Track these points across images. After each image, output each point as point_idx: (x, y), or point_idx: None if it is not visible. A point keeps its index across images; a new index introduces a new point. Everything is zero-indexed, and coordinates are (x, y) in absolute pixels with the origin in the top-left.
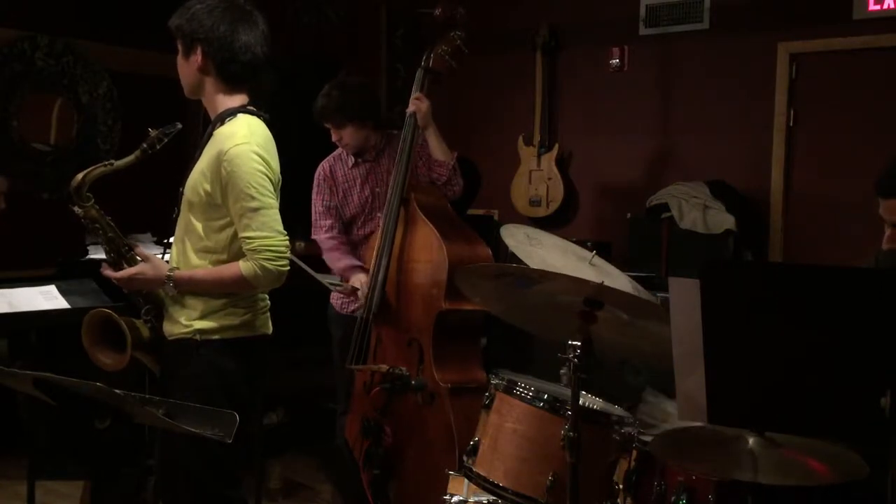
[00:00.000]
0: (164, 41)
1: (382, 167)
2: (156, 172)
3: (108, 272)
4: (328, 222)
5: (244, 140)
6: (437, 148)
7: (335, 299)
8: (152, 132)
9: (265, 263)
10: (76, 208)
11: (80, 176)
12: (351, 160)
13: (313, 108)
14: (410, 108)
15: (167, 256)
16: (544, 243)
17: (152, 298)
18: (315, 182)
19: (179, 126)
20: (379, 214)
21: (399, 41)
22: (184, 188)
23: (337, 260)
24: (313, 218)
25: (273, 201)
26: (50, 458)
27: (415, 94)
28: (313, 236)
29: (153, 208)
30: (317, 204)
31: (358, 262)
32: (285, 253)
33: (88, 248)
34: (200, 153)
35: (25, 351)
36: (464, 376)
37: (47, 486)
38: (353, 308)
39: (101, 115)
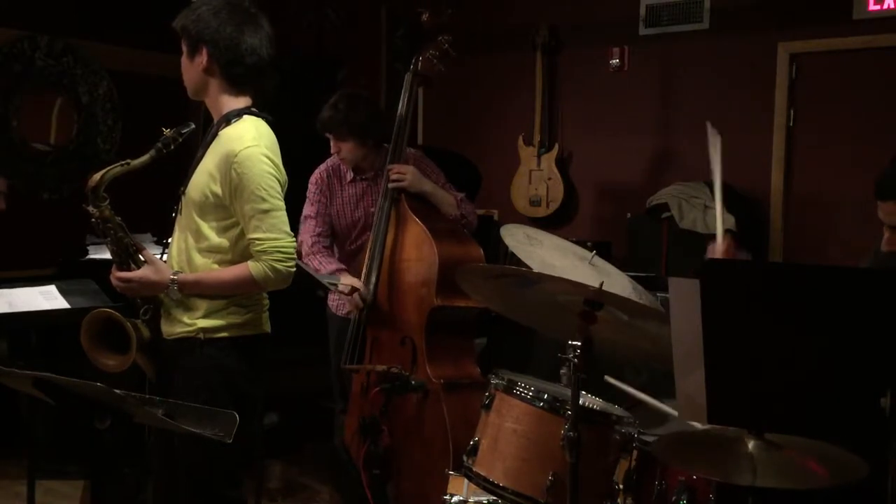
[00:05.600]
0: (165, 41)
1: (379, 187)
2: (156, 172)
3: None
4: (318, 228)
5: (253, 142)
6: (441, 204)
7: (331, 300)
8: (167, 132)
9: (275, 265)
10: (91, 208)
11: (97, 176)
12: (349, 175)
13: (318, 116)
14: (392, 184)
15: (165, 257)
16: (544, 243)
17: (151, 298)
18: (311, 188)
19: (193, 126)
20: (369, 232)
21: (399, 41)
22: (185, 188)
23: (320, 264)
24: (303, 218)
25: (281, 203)
26: (50, 458)
27: (389, 164)
28: (300, 237)
29: (153, 208)
30: (309, 208)
31: (341, 266)
32: (293, 254)
33: (88, 248)
34: (203, 153)
35: (25, 351)
36: (457, 372)
37: (47, 486)
38: (346, 310)
39: (101, 115)
